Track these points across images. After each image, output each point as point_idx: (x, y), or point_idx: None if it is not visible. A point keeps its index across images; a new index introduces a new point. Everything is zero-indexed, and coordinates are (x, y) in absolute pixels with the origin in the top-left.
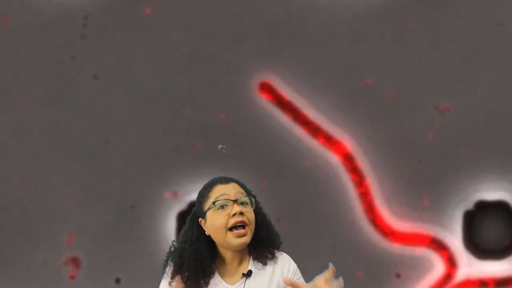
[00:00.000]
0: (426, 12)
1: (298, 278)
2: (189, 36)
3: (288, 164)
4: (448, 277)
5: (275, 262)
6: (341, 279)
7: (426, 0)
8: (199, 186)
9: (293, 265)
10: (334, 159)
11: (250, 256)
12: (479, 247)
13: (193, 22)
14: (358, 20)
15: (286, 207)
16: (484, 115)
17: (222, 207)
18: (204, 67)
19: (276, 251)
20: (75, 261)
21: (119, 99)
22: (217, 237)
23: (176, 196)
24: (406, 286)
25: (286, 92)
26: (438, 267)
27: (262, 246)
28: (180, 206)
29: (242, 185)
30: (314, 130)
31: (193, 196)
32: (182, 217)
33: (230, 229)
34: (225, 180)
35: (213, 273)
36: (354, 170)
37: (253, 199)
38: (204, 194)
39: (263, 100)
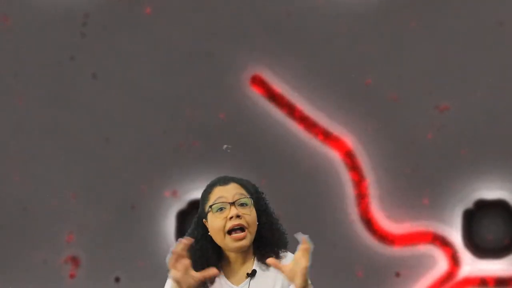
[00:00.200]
0: (426, 12)
1: None
2: (189, 35)
3: (288, 163)
4: (450, 275)
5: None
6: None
7: (426, 0)
8: (199, 185)
9: None
10: (335, 158)
11: (254, 256)
12: (478, 246)
13: (193, 21)
14: (358, 20)
15: (285, 206)
16: (484, 115)
17: (220, 209)
18: (204, 66)
19: (281, 250)
20: (75, 260)
21: (119, 99)
22: (217, 239)
23: (176, 195)
24: (406, 285)
25: (286, 92)
26: (441, 265)
27: (266, 245)
28: (180, 205)
29: (243, 185)
30: (315, 129)
31: (193, 195)
32: (182, 216)
33: (229, 232)
34: (224, 181)
35: (219, 273)
36: (354, 168)
37: (252, 200)
38: (205, 195)
39: (263, 100)
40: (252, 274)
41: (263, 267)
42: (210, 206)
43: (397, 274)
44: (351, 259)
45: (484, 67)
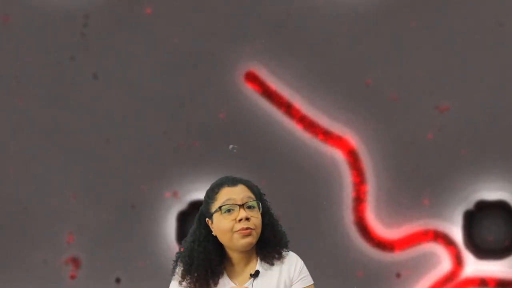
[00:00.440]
0: (426, 12)
1: (304, 276)
2: (190, 35)
3: (289, 163)
4: (453, 274)
5: (282, 262)
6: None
7: (426, 0)
8: (199, 186)
9: (300, 264)
10: (335, 157)
11: (257, 257)
12: (479, 247)
13: (193, 21)
14: (358, 20)
15: (286, 206)
16: (484, 115)
17: (229, 211)
18: (205, 66)
19: (283, 250)
20: (75, 261)
21: (119, 99)
22: (223, 239)
23: (176, 196)
24: (406, 285)
25: (287, 92)
26: (444, 265)
27: (268, 246)
28: (180, 206)
29: (250, 187)
30: (315, 129)
31: (193, 196)
32: (182, 217)
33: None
34: (233, 182)
35: (222, 273)
36: (356, 168)
37: (260, 204)
38: (211, 195)
39: (264, 100)
40: (256, 274)
41: (267, 267)
42: (220, 207)
43: (398, 275)
44: (351, 259)
45: (484, 67)
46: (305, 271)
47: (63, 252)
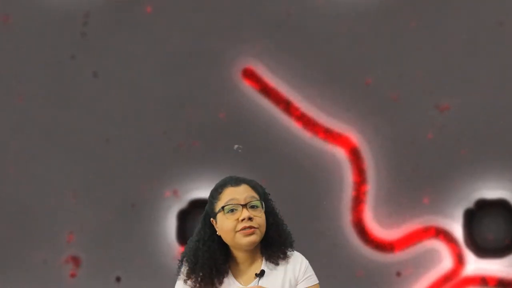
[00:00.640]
0: (426, 12)
1: (310, 275)
2: (190, 34)
3: (289, 162)
4: (454, 273)
5: (287, 262)
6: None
7: (426, 0)
8: (199, 185)
9: (305, 263)
10: (336, 157)
11: (262, 257)
12: (479, 246)
13: (194, 21)
14: (358, 20)
15: (285, 206)
16: (484, 114)
17: (232, 211)
18: (205, 66)
19: (288, 250)
20: (75, 260)
21: (119, 98)
22: (227, 239)
23: (176, 195)
24: (406, 285)
25: (287, 92)
26: (445, 263)
27: (273, 246)
28: (180, 205)
29: (254, 187)
30: (316, 128)
31: (194, 195)
32: (182, 216)
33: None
34: (236, 182)
35: (227, 273)
36: (357, 166)
37: (263, 203)
38: (215, 195)
39: (264, 100)
40: (261, 274)
41: (271, 266)
42: (223, 207)
43: (398, 274)
44: (351, 258)
45: (484, 67)
46: (310, 271)
47: (63, 251)
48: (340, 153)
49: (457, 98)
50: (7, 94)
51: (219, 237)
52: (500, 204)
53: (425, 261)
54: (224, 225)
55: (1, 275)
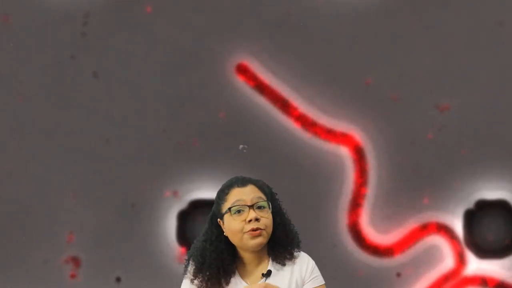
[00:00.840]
0: (426, 12)
1: (316, 276)
2: (189, 34)
3: (289, 163)
4: (455, 272)
5: (294, 263)
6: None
7: (427, 0)
8: (199, 185)
9: (311, 264)
10: (337, 157)
11: (269, 257)
12: (479, 246)
13: (194, 20)
14: (358, 20)
15: (285, 205)
16: (484, 114)
17: (238, 212)
18: (204, 66)
19: (295, 251)
20: (75, 260)
21: (119, 98)
22: (234, 240)
23: (176, 195)
24: (407, 285)
25: (287, 91)
26: (446, 262)
27: (280, 246)
28: (180, 205)
29: (260, 187)
30: (317, 128)
31: (194, 195)
32: (182, 216)
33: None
34: (242, 183)
35: (234, 273)
36: (360, 167)
37: (270, 204)
38: (221, 196)
39: (263, 99)
40: (268, 274)
41: (278, 267)
42: (229, 209)
43: (398, 274)
44: (351, 258)
45: (484, 67)
46: (317, 271)
47: (63, 251)
48: (344, 152)
49: (457, 98)
50: (7, 94)
51: (226, 237)
52: (500, 204)
53: (426, 259)
54: (231, 226)
55: (1, 275)
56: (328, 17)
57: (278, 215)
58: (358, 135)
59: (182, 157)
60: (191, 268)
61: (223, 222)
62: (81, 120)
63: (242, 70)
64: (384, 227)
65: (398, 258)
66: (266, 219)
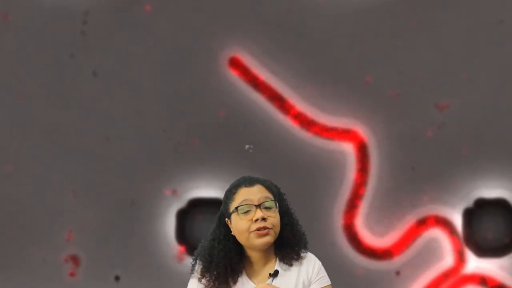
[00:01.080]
0: (427, 10)
1: (322, 276)
2: (189, 33)
3: (289, 162)
4: (454, 270)
5: (301, 263)
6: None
7: None
8: (198, 184)
9: (317, 264)
10: (339, 154)
11: (276, 257)
12: (478, 245)
13: (193, 19)
14: (359, 18)
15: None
16: (484, 113)
17: (245, 212)
18: (204, 65)
19: (302, 251)
20: (74, 259)
21: (119, 97)
22: (241, 239)
23: (176, 193)
24: (406, 283)
25: (287, 91)
26: (446, 260)
27: (287, 246)
28: (179, 204)
29: (267, 187)
30: (318, 127)
31: (193, 194)
32: (181, 215)
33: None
34: (250, 183)
35: (241, 272)
36: (362, 166)
37: (277, 203)
38: (229, 195)
39: (262, 98)
40: (275, 274)
41: (285, 267)
42: (236, 208)
43: (397, 273)
44: (350, 257)
45: (484, 65)
46: (323, 272)
47: (62, 250)
48: (347, 149)
49: (457, 96)
50: (7, 93)
51: (234, 237)
52: (499, 203)
53: (426, 254)
54: (238, 225)
55: (1, 274)
56: (328, 15)
57: (285, 215)
58: (362, 132)
59: (181, 156)
60: (198, 267)
61: (230, 222)
62: (81, 120)
63: (242, 69)
64: (382, 228)
65: (398, 259)
66: (273, 218)
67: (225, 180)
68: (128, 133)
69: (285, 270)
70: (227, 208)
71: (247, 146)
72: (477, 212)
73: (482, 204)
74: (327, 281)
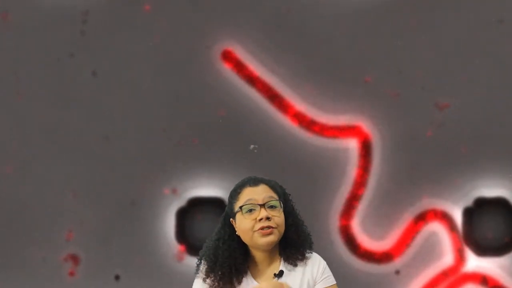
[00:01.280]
0: (427, 10)
1: (327, 275)
2: (189, 33)
3: (290, 161)
4: (454, 269)
5: (306, 263)
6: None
7: None
8: (198, 183)
9: (322, 264)
10: (339, 153)
11: (281, 257)
12: (478, 244)
13: (193, 19)
14: (359, 17)
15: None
16: (483, 112)
17: (250, 211)
18: (203, 64)
19: (306, 252)
20: (74, 258)
21: (119, 96)
22: (245, 238)
23: (176, 193)
24: (406, 282)
25: (286, 91)
26: (446, 259)
27: (292, 247)
28: (179, 203)
29: (272, 187)
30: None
31: (193, 193)
32: (181, 214)
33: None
34: (255, 182)
35: (246, 273)
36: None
37: (281, 203)
38: (234, 195)
39: (262, 98)
40: (280, 274)
41: (290, 267)
42: (240, 207)
43: (397, 272)
44: (349, 257)
45: (484, 65)
46: (328, 271)
47: (62, 249)
48: (351, 146)
49: (457, 96)
50: (6, 91)
51: (239, 237)
52: (499, 202)
53: (425, 251)
54: (242, 224)
55: (0, 274)
56: (328, 14)
57: (290, 215)
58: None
59: (181, 156)
60: (203, 267)
61: (235, 221)
62: (80, 119)
63: (242, 69)
64: (381, 228)
65: (398, 258)
66: (278, 218)
67: (225, 179)
68: (128, 133)
69: (289, 270)
70: (231, 208)
71: (252, 146)
72: (477, 211)
73: (482, 203)
74: (332, 280)
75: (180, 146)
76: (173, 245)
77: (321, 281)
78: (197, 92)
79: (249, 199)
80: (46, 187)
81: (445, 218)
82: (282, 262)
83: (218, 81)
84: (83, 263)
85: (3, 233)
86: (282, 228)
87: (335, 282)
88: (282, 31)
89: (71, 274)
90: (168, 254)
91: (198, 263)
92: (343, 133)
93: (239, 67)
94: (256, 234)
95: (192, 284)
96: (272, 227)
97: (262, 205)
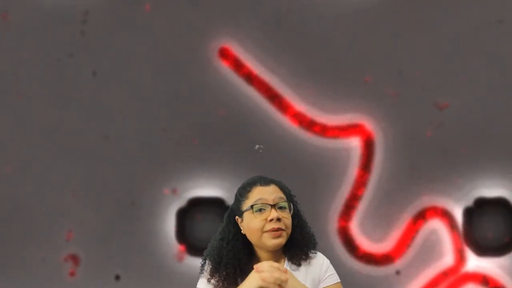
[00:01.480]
0: (426, 9)
1: (331, 274)
2: (189, 33)
3: (290, 161)
4: (455, 269)
5: (309, 263)
6: None
7: None
8: (198, 183)
9: (326, 262)
10: (341, 154)
11: (285, 257)
12: (479, 244)
13: (193, 19)
14: (358, 16)
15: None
16: (483, 112)
17: (260, 210)
18: (203, 63)
19: (310, 252)
20: (74, 258)
21: (119, 96)
22: (252, 238)
23: (176, 193)
24: (406, 282)
25: (286, 91)
26: (446, 259)
27: (296, 247)
28: (179, 203)
29: (282, 188)
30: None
31: (193, 193)
32: (181, 214)
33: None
34: (265, 182)
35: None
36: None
37: (291, 205)
38: (243, 193)
39: (262, 98)
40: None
41: (294, 267)
42: (251, 206)
43: (397, 272)
44: (349, 257)
45: (484, 65)
46: (332, 270)
47: (62, 249)
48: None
49: (457, 96)
50: (6, 91)
51: (243, 236)
52: (499, 202)
53: (426, 252)
54: (251, 224)
55: (0, 274)
56: (328, 14)
57: (296, 217)
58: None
59: (181, 155)
60: (207, 267)
61: (241, 220)
62: (80, 119)
63: (242, 68)
64: (381, 230)
65: (398, 258)
66: (287, 219)
67: (225, 179)
68: (128, 133)
69: (293, 270)
70: (239, 206)
71: (257, 146)
72: (477, 211)
73: (482, 204)
74: (336, 278)
75: (180, 146)
76: (173, 245)
77: (325, 279)
78: (197, 92)
79: (260, 198)
80: (46, 187)
81: (446, 215)
82: (286, 261)
83: (218, 82)
84: (83, 263)
85: (3, 233)
86: (290, 230)
87: (339, 280)
88: (282, 31)
89: (71, 274)
90: (168, 254)
91: (202, 263)
92: (346, 132)
93: (239, 67)
94: (265, 235)
95: (194, 284)
96: (281, 229)
97: (273, 206)
